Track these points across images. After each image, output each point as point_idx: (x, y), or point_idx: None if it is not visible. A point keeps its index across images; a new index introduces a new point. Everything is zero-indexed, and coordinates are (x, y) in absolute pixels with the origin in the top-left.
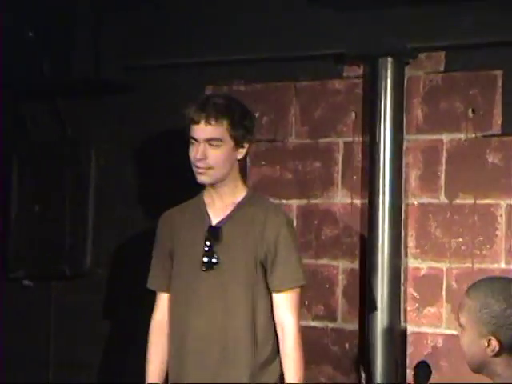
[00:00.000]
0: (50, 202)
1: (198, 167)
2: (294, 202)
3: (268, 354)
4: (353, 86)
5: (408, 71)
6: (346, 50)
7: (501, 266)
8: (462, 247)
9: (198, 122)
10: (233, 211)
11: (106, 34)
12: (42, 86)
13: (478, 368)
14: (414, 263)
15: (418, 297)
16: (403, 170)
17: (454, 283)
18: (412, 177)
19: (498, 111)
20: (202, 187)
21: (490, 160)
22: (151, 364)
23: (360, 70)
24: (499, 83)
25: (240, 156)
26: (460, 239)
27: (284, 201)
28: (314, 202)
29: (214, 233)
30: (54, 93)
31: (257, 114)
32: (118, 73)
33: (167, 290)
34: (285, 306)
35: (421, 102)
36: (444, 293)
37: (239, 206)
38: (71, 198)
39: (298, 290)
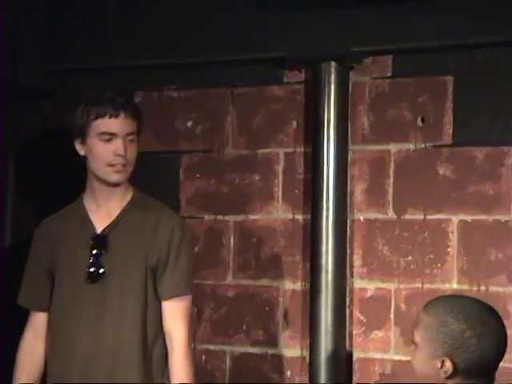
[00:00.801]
0: None
1: (114, 165)
2: (231, 218)
3: (161, 367)
4: (294, 93)
5: (353, 76)
6: (286, 54)
7: (453, 286)
8: (412, 266)
9: (116, 116)
10: (119, 216)
11: (26, 34)
12: None
13: None
14: (361, 283)
15: (364, 320)
16: (348, 183)
17: (402, 305)
18: (358, 190)
19: (448, 119)
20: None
21: (440, 172)
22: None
23: (301, 75)
24: (450, 89)
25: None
26: (409, 257)
27: (220, 216)
28: (252, 217)
29: (100, 241)
30: None
31: (190, 123)
32: (38, 77)
33: (42, 309)
34: (174, 315)
35: (367, 110)
36: (392, 315)
37: (126, 210)
38: None
39: (188, 298)
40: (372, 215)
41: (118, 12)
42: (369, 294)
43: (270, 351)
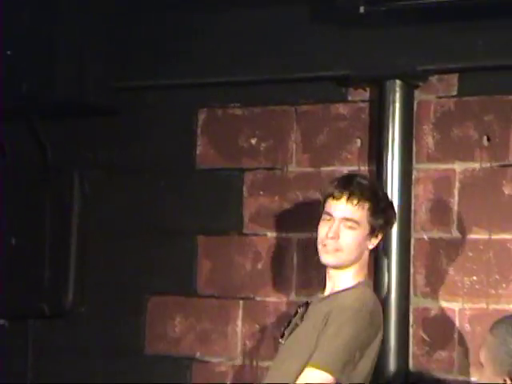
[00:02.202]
0: (28, 234)
1: (325, 245)
2: (294, 236)
3: None
4: (358, 111)
5: (418, 95)
6: (350, 72)
7: None
8: (476, 286)
9: (338, 199)
10: (327, 296)
11: (92, 53)
12: (20, 107)
13: None
14: (424, 303)
15: (428, 340)
16: (412, 201)
17: (467, 325)
18: (422, 209)
19: None
20: None
21: (506, 191)
22: None
23: (366, 94)
24: None
25: (372, 246)
26: (474, 277)
27: (283, 234)
28: (316, 235)
29: (301, 308)
30: (33, 115)
31: (254, 140)
32: (104, 94)
33: None
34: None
35: (432, 129)
36: (456, 335)
37: (336, 293)
38: (52, 230)
39: (324, 376)
40: (436, 234)
41: (182, 30)
42: (432, 313)
43: None
